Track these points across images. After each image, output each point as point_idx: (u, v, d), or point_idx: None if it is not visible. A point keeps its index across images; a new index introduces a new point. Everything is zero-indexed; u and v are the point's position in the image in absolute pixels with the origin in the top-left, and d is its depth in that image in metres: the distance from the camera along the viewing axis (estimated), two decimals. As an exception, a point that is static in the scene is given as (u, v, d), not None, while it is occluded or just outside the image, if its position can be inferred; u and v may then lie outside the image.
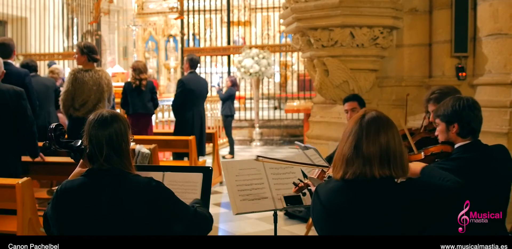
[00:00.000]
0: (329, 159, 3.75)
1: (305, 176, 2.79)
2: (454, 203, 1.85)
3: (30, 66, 5.80)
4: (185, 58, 6.93)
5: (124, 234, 1.85)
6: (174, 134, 6.45)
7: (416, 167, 2.09)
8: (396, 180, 1.77)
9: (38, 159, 3.94)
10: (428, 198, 1.75)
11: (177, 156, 6.56)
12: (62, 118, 5.61)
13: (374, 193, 1.72)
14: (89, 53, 4.81)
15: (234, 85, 9.08)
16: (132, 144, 4.38)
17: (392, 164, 1.72)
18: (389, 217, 1.71)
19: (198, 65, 6.85)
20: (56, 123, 2.03)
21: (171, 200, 1.93)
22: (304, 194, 2.41)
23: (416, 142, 2.85)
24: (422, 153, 2.51)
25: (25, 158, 3.91)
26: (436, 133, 2.51)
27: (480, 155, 2.35)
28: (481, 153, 2.37)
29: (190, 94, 6.36)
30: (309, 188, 2.38)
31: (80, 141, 2.01)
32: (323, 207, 1.79)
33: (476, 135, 2.40)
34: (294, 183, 2.40)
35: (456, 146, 2.41)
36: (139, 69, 6.33)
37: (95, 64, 4.94)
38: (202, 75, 12.07)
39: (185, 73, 6.68)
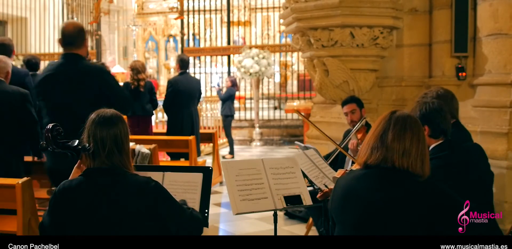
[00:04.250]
0: (327, 157, 3.75)
1: (305, 176, 2.80)
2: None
3: (31, 64, 5.71)
4: (175, 58, 6.82)
5: (123, 234, 1.85)
6: (166, 134, 6.45)
7: None
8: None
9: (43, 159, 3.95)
10: (444, 203, 1.80)
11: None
12: None
13: (395, 183, 1.81)
14: None
15: (234, 85, 9.07)
16: (132, 144, 4.39)
17: (412, 161, 1.81)
18: (405, 210, 1.76)
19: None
20: (53, 124, 2.02)
21: (169, 202, 1.94)
22: (327, 201, 2.48)
23: None
24: None
25: (26, 158, 3.91)
26: None
27: (455, 152, 2.48)
28: (455, 149, 2.49)
29: (178, 95, 6.28)
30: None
31: (77, 141, 2.00)
32: (342, 193, 1.88)
33: (447, 135, 2.52)
34: (320, 189, 2.47)
35: (430, 147, 2.51)
36: (136, 69, 6.26)
37: None
38: (202, 75, 12.17)
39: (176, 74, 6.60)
